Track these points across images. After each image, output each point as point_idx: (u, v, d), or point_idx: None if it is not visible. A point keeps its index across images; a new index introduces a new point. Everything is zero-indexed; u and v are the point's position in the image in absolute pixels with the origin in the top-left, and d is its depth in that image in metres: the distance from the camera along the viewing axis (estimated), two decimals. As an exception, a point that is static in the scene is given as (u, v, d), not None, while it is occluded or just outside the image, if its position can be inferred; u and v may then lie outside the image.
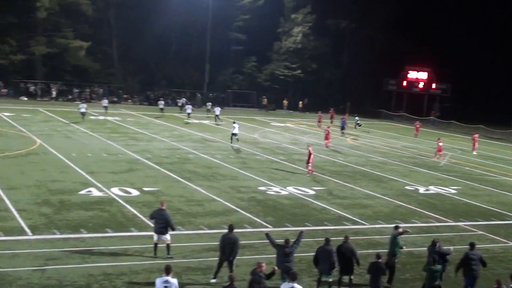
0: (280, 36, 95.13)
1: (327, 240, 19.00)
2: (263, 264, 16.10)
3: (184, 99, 77.60)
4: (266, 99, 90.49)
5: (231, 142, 48.93)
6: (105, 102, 68.42)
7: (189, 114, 67.56)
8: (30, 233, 22.27)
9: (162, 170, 35.97)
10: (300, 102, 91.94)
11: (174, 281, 15.13)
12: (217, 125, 63.15)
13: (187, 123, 63.69)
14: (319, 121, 69.65)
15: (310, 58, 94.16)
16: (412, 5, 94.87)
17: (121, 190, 29.81)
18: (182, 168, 36.95)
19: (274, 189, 33.08)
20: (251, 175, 36.59)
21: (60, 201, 26.79)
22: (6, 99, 74.60)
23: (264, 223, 26.30)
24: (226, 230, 23.10)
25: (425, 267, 18.87)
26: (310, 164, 37.30)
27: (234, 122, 51.17)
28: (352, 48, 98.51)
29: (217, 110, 66.96)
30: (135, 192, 29.52)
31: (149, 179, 33.05)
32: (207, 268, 19.84)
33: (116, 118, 62.38)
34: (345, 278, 19.33)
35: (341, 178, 38.35)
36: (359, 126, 70.75)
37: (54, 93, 78.87)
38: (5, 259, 19.57)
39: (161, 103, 71.10)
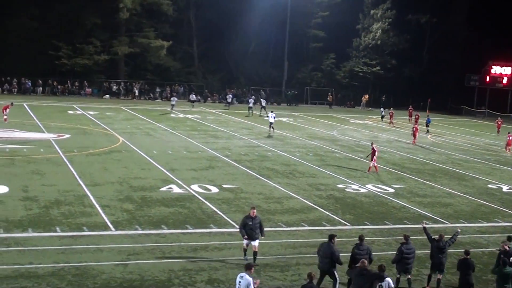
0: (359, 33, 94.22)
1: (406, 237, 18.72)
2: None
3: (253, 97, 78.14)
4: (331, 96, 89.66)
5: (269, 130, 52.63)
6: (193, 96, 71.17)
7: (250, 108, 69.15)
8: (113, 229, 22.70)
9: (241, 167, 36.03)
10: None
11: (248, 278, 15.13)
12: (263, 116, 65.64)
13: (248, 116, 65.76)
14: (390, 118, 68.19)
15: (389, 55, 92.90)
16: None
17: (200, 187, 29.95)
18: (261, 166, 36.92)
19: (353, 187, 32.76)
20: (330, 173, 36.36)
21: (142, 197, 27.11)
22: (90, 98, 76.48)
23: (343, 221, 26.09)
24: (304, 228, 23.06)
25: (495, 270, 18.23)
26: (374, 162, 36.65)
27: (271, 111, 55.45)
28: (433, 44, 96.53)
29: (263, 102, 70.37)
30: (214, 189, 29.61)
31: (228, 176, 33.09)
32: (285, 266, 19.80)
33: (196, 116, 62.90)
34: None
35: (421, 176, 37.68)
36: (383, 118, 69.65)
37: (136, 92, 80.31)
38: (89, 253, 20.04)
39: (251, 101, 70.69)
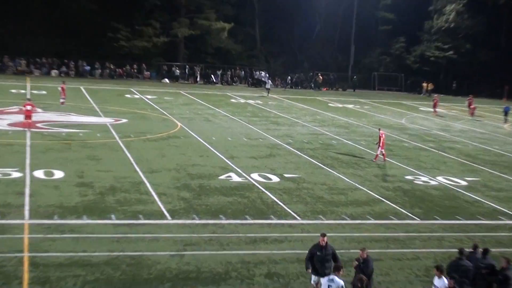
0: (431, 15, 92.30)
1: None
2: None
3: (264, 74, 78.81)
4: (426, 84, 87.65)
5: (267, 95, 60.43)
6: (269, 84, 71.31)
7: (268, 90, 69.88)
8: (169, 217, 22.71)
9: (304, 156, 35.76)
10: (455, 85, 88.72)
11: (339, 281, 14.77)
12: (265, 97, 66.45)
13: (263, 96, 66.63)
14: (434, 106, 65.19)
15: (464, 38, 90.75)
16: None
17: (261, 176, 29.79)
18: (325, 155, 36.60)
19: (423, 179, 32.15)
20: (398, 163, 35.81)
21: (199, 185, 27.09)
22: (148, 82, 76.82)
23: (411, 215, 25.61)
24: (369, 221, 22.69)
25: None
26: (381, 150, 35.56)
27: (268, 79, 64.41)
28: (511, 27, 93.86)
29: (268, 83, 70.90)
30: (275, 178, 29.42)
31: (290, 165, 32.85)
32: (348, 260, 19.33)
33: (258, 101, 62.76)
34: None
35: (497, 168, 36.79)
36: None
37: (197, 76, 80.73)
38: (145, 242, 20.12)
39: (269, 81, 72.70)
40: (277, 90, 77.74)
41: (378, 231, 22.96)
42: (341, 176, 31.26)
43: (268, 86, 71.44)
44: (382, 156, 35.57)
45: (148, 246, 19.68)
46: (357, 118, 55.21)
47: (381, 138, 35.52)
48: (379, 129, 37.15)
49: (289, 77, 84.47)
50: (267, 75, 79.20)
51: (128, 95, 60.30)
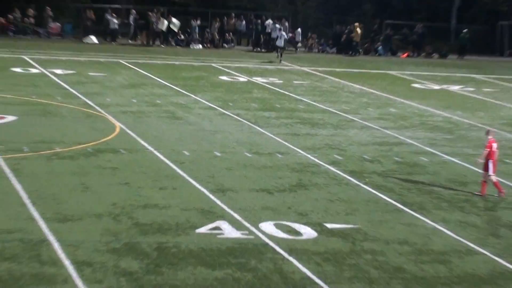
0: None
1: None
2: None
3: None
4: None
5: (279, 59, 49.89)
6: (282, 38, 52.47)
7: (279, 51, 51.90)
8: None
9: (364, 186, 24.81)
10: None
11: None
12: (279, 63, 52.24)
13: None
14: None
15: None
16: None
17: (279, 227, 20.45)
18: (406, 185, 25.37)
19: None
20: None
21: (158, 247, 18.40)
22: (58, 42, 56.20)
23: None
24: None
25: None
26: (491, 173, 24.89)
27: (280, 29, 51.38)
28: None
29: (280, 38, 51.86)
30: (309, 232, 20.13)
31: (338, 206, 22.81)
32: None
33: (273, 79, 46.52)
34: None
35: None
36: None
37: (155, 31, 55.91)
38: None
39: (282, 34, 51.50)
40: (311, 57, 57.48)
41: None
42: (438, 226, 21.74)
43: (280, 42, 52.66)
44: (494, 184, 25.16)
45: None
46: (468, 111, 40.18)
47: (491, 151, 25.23)
48: (488, 133, 25.92)
49: (335, 31, 58.84)
50: (280, 26, 55.54)
51: (17, 69, 44.05)
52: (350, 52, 57.55)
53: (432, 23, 62.79)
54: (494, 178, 23.79)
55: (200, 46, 56.39)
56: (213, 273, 16.48)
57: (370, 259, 17.94)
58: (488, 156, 23.57)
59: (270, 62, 52.80)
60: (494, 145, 23.81)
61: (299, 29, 57.45)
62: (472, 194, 23.88)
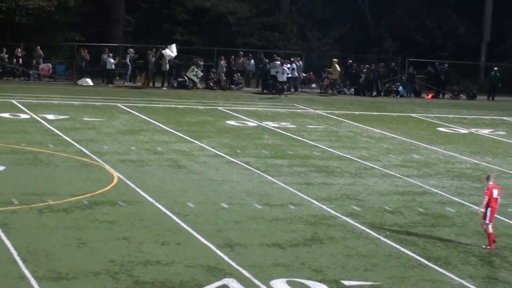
0: None
1: None
2: None
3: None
4: None
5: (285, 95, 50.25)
6: (285, 74, 51.59)
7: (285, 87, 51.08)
8: None
9: (385, 240, 24.16)
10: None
11: None
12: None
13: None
14: None
15: None
16: None
17: (292, 285, 19.84)
18: (430, 239, 24.65)
19: None
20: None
21: None
22: (50, 84, 54.61)
23: None
24: None
25: None
26: (488, 223, 24.17)
27: (280, 65, 51.00)
28: None
29: (284, 72, 51.13)
30: None
31: (356, 261, 22.38)
32: None
33: (285, 124, 45.39)
34: None
35: None
36: None
37: (154, 71, 53.49)
38: None
39: (285, 69, 50.58)
40: (326, 99, 56.01)
41: None
42: (465, 283, 21.00)
43: (283, 77, 51.70)
44: (488, 234, 24.48)
45: None
46: (499, 157, 39.13)
47: (491, 198, 23.98)
48: (488, 178, 24.75)
49: (353, 70, 55.89)
50: (280, 61, 53.65)
51: (5, 114, 43.02)
52: (330, 91, 56.03)
53: (460, 61, 61.66)
54: (490, 228, 23.10)
55: (205, 87, 54.86)
56: None
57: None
58: (489, 203, 22.80)
59: (290, 107, 51.21)
60: (495, 192, 22.93)
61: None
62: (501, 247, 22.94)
